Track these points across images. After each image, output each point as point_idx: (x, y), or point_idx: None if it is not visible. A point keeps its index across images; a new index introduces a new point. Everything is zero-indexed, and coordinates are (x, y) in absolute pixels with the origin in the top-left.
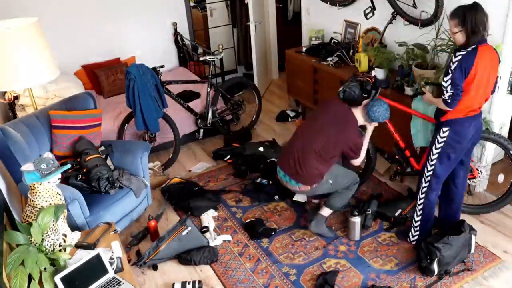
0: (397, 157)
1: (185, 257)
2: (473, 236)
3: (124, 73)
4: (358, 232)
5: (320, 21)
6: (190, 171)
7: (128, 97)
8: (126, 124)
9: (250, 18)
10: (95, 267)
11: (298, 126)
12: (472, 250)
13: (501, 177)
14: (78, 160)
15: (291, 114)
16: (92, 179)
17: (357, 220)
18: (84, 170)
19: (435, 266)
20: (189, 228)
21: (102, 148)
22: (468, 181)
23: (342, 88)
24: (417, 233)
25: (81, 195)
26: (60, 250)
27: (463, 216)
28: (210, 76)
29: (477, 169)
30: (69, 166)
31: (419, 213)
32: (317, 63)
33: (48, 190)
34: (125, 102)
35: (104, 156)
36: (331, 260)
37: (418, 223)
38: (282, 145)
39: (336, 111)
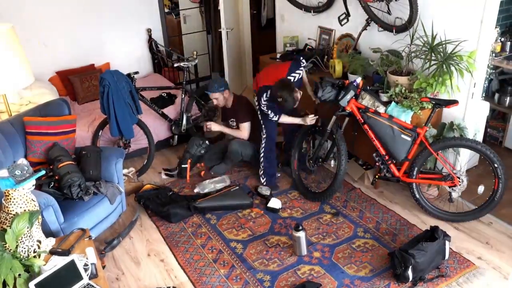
0: (377, 163)
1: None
2: (447, 242)
3: (98, 80)
4: (304, 247)
5: (294, 28)
6: (160, 173)
7: (103, 103)
8: (101, 130)
9: (222, 25)
10: (69, 274)
11: None
12: (447, 256)
13: (480, 188)
14: (51, 167)
15: None
16: (63, 186)
17: (301, 235)
18: (57, 178)
19: (409, 273)
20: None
21: (73, 156)
22: (448, 189)
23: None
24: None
25: (56, 201)
26: (34, 257)
27: (437, 223)
28: (184, 83)
29: (458, 178)
30: (43, 172)
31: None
32: None
33: (23, 196)
34: (99, 108)
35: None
36: (305, 267)
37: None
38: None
39: None
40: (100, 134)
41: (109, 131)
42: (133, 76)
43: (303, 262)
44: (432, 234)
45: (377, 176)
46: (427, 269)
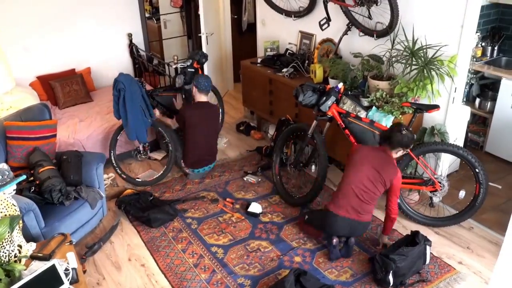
0: None
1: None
2: (428, 247)
3: (79, 84)
4: None
5: (275, 32)
6: (137, 178)
7: (117, 107)
8: (119, 135)
9: (202, 29)
10: (50, 278)
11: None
12: (427, 261)
13: (462, 193)
14: (32, 172)
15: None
16: (44, 191)
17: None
18: (37, 182)
19: (390, 278)
20: None
21: (54, 161)
22: (429, 194)
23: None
24: None
25: (36, 206)
26: (15, 261)
27: (418, 227)
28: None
29: (439, 182)
30: (24, 177)
31: None
32: (272, 74)
33: (3, 201)
34: (79, 113)
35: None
36: (286, 271)
37: None
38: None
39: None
40: (118, 138)
41: (126, 135)
42: (143, 81)
43: (284, 267)
44: (413, 239)
45: None
46: (408, 274)
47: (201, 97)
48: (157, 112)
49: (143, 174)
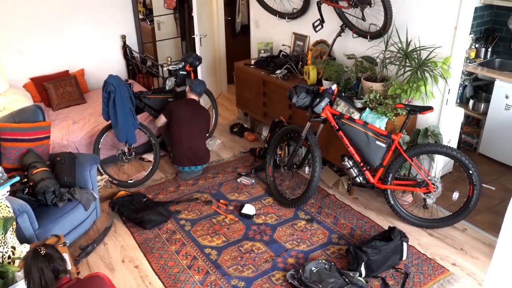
0: (344, 163)
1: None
2: (405, 243)
3: (73, 85)
4: None
5: (269, 34)
6: (131, 180)
7: (107, 109)
8: (102, 137)
9: (195, 31)
10: None
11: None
12: (404, 257)
13: (455, 195)
14: (25, 173)
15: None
16: (37, 192)
17: None
18: (31, 184)
19: (362, 269)
20: None
21: (48, 163)
22: (423, 195)
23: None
24: None
25: (30, 207)
26: (9, 263)
27: (412, 229)
28: (173, 87)
29: (433, 184)
30: (17, 178)
31: None
32: (266, 76)
33: None
34: (72, 115)
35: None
36: (280, 273)
37: None
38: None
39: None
40: (100, 141)
41: (115, 137)
42: (131, 83)
43: (278, 268)
44: (389, 235)
45: (349, 183)
46: (381, 268)
47: (191, 96)
48: (161, 120)
49: (136, 176)
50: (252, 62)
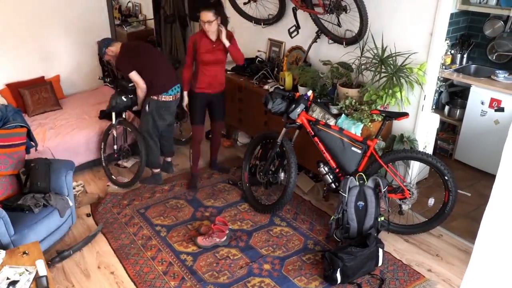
0: (320, 168)
1: None
2: (380, 250)
3: (48, 91)
4: None
5: (244, 40)
6: (108, 185)
7: None
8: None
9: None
10: None
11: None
12: (380, 263)
13: (431, 201)
14: None
15: None
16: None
17: None
18: None
19: (338, 275)
20: None
21: (23, 169)
22: (398, 201)
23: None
24: None
25: (6, 213)
26: None
27: (387, 235)
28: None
29: (408, 190)
30: None
31: None
32: (242, 82)
33: None
34: (48, 121)
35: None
36: (255, 279)
37: None
38: None
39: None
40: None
41: None
42: None
43: (253, 274)
44: (365, 241)
45: (325, 188)
46: (357, 274)
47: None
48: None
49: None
50: (229, 68)
